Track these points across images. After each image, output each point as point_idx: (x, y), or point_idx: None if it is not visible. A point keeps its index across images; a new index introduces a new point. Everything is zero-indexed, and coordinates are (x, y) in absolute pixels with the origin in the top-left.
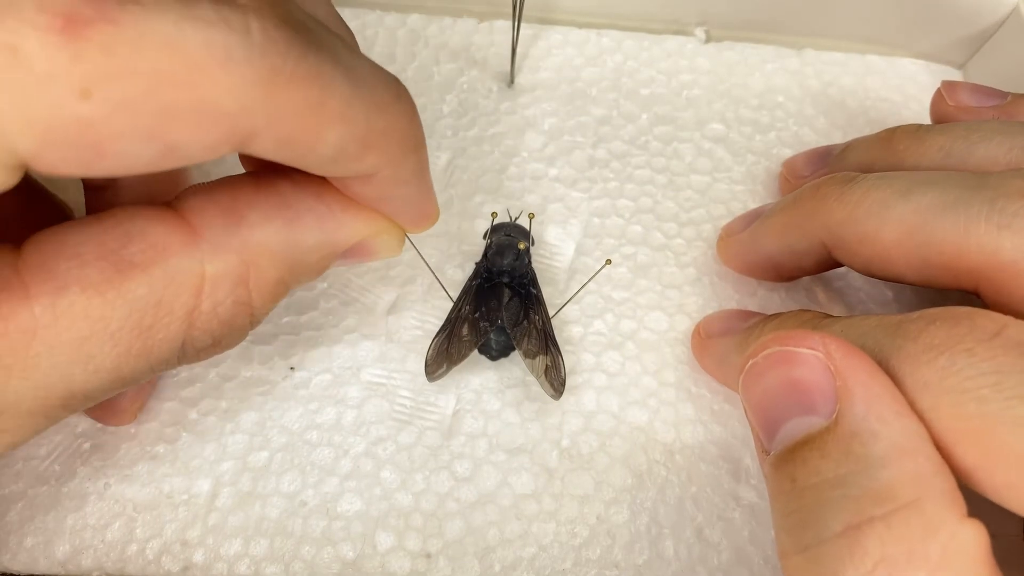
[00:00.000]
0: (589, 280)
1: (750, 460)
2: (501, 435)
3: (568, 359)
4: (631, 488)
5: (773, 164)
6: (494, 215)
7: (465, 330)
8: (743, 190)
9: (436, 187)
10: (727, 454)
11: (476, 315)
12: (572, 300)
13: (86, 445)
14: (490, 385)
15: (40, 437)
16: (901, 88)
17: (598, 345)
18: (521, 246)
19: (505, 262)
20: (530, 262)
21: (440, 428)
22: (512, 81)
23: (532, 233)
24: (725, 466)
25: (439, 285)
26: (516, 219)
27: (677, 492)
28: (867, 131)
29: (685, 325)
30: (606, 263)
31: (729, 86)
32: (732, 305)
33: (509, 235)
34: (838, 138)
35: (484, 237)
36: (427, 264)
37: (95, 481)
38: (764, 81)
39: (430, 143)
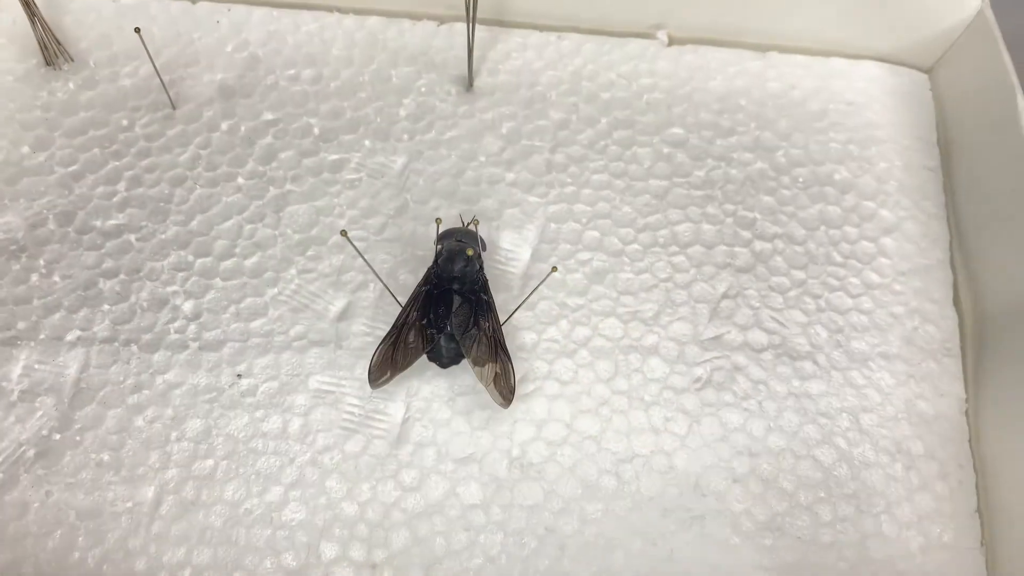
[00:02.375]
0: (537, 287)
1: (700, 470)
2: (450, 444)
3: (520, 367)
4: (580, 498)
5: (733, 168)
6: (438, 221)
7: (412, 337)
8: (701, 195)
9: (391, 191)
10: (678, 464)
11: (424, 321)
12: (524, 306)
13: (30, 452)
14: (440, 393)
15: None
16: (866, 91)
17: (551, 352)
18: (470, 252)
19: (456, 268)
20: (482, 268)
21: (388, 437)
22: (471, 84)
23: (486, 239)
24: (676, 477)
25: (385, 287)
26: (468, 224)
27: (627, 503)
28: (830, 134)
29: (639, 332)
30: (552, 271)
31: (690, 90)
32: (686, 312)
33: (460, 240)
34: (799, 141)
35: (436, 243)
36: (372, 269)
37: (37, 489)
38: (726, 84)
39: (386, 147)
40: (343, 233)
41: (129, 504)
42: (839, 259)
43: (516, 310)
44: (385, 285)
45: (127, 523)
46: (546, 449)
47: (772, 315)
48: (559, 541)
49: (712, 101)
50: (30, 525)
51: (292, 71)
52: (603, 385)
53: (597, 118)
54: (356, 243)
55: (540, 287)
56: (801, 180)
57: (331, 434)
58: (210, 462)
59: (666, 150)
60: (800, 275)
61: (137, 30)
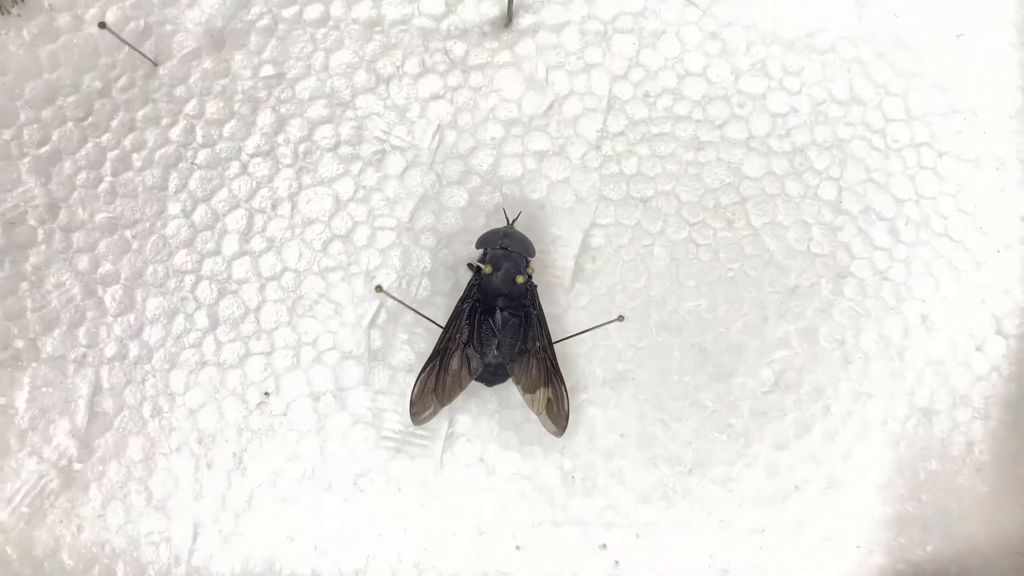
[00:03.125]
0: (592, 328)
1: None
2: (498, 460)
3: (571, 372)
4: (638, 513)
5: (826, 131)
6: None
7: (455, 362)
8: (783, 163)
9: (420, 167)
10: (740, 476)
11: (468, 346)
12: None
13: (52, 484)
14: (487, 407)
15: (3, 480)
16: (990, 22)
17: (606, 359)
18: (519, 280)
19: (501, 284)
20: (530, 277)
21: (433, 455)
22: (509, 21)
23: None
24: (738, 492)
25: (433, 323)
26: (513, 222)
27: (685, 518)
28: (940, 81)
29: (706, 329)
30: (618, 319)
31: (774, 24)
32: (772, 311)
33: (505, 247)
34: (899, 89)
35: (478, 246)
36: (412, 308)
37: (67, 524)
38: (815, 19)
39: (411, 107)
40: (378, 289)
41: (166, 535)
42: (928, 238)
43: (568, 337)
44: (433, 321)
45: (166, 555)
46: (601, 462)
47: (849, 306)
48: (615, 558)
49: (798, 39)
50: (66, 561)
51: (294, 8)
52: (663, 391)
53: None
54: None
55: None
56: (895, 140)
57: (371, 455)
58: (244, 491)
59: (745, 106)
60: (883, 259)
61: None
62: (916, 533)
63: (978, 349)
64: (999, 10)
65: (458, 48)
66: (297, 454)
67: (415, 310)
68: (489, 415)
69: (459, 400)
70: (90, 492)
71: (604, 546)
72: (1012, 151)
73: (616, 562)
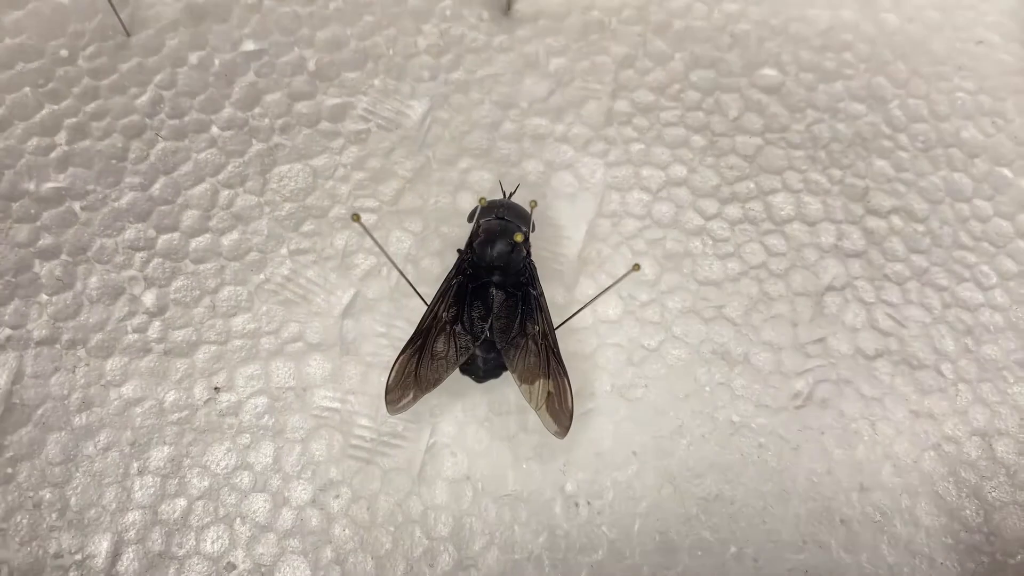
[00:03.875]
0: (609, 287)
1: (804, 514)
2: (489, 479)
3: (575, 379)
4: (653, 551)
5: (840, 123)
6: (482, 201)
7: (441, 345)
8: (802, 157)
9: (408, 147)
10: (773, 507)
11: (456, 326)
12: (584, 308)
13: None
14: (476, 412)
15: None
16: (1000, 26)
17: (614, 361)
18: (518, 238)
19: (496, 253)
20: (529, 254)
21: (410, 469)
22: (508, 7)
23: (533, 217)
24: (773, 521)
25: (409, 284)
26: (511, 195)
27: (712, 559)
28: (955, 81)
29: (725, 335)
30: (634, 268)
31: (785, 20)
32: (783, 308)
33: (502, 218)
34: (919, 90)
35: (470, 220)
36: (390, 259)
37: None
38: (830, 14)
39: (401, 88)
40: (355, 218)
41: (78, 556)
42: (968, 241)
43: (575, 314)
44: (407, 279)
45: None
46: (610, 486)
47: (888, 313)
48: None
49: (813, 35)
50: None
51: None
52: (680, 403)
53: (670, 54)
54: (366, 216)
55: (614, 285)
56: (921, 140)
57: (337, 466)
58: (182, 502)
59: (756, 97)
60: (921, 262)
61: None
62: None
63: None
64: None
65: (454, 30)
66: (248, 462)
67: (396, 266)
68: (479, 423)
69: (444, 403)
70: None
71: None
72: None
73: None
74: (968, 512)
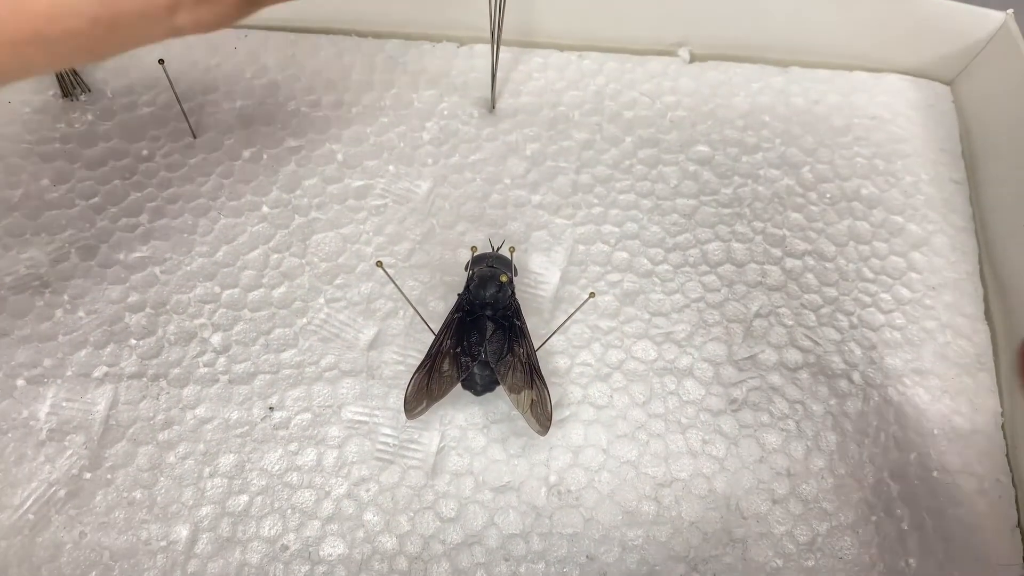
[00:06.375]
0: (573, 312)
1: (740, 493)
2: (487, 473)
3: (554, 392)
4: (620, 525)
5: (760, 185)
6: (474, 249)
7: (446, 365)
8: (729, 213)
9: (417, 216)
10: (718, 487)
11: (458, 349)
12: (557, 331)
13: (61, 492)
14: (475, 421)
15: (14, 486)
16: (889, 104)
17: (585, 376)
18: (503, 279)
19: (488, 294)
20: (513, 293)
21: (424, 467)
22: (493, 106)
23: (515, 263)
24: (716, 500)
25: (421, 319)
26: (498, 249)
27: (668, 528)
28: (855, 149)
29: (673, 353)
30: (589, 296)
31: (714, 106)
32: (719, 332)
33: (491, 266)
34: (825, 156)
35: (466, 269)
36: (406, 298)
37: (70, 530)
38: (749, 100)
39: (410, 171)
40: (379, 264)
41: (163, 543)
42: (870, 275)
43: (551, 336)
44: (419, 314)
45: (163, 562)
46: (584, 475)
47: (806, 333)
48: (601, 569)
49: (736, 118)
50: (64, 567)
51: (312, 96)
52: (639, 409)
53: (621, 137)
54: (386, 270)
55: (576, 311)
56: (828, 196)
57: (366, 466)
58: (244, 498)
59: (692, 168)
60: (832, 292)
61: (161, 62)
62: None
63: None
64: (899, 96)
65: (450, 125)
66: (296, 464)
67: (411, 303)
68: (478, 428)
69: (450, 414)
70: (96, 500)
71: (590, 558)
72: None
73: (604, 574)
74: (881, 491)
